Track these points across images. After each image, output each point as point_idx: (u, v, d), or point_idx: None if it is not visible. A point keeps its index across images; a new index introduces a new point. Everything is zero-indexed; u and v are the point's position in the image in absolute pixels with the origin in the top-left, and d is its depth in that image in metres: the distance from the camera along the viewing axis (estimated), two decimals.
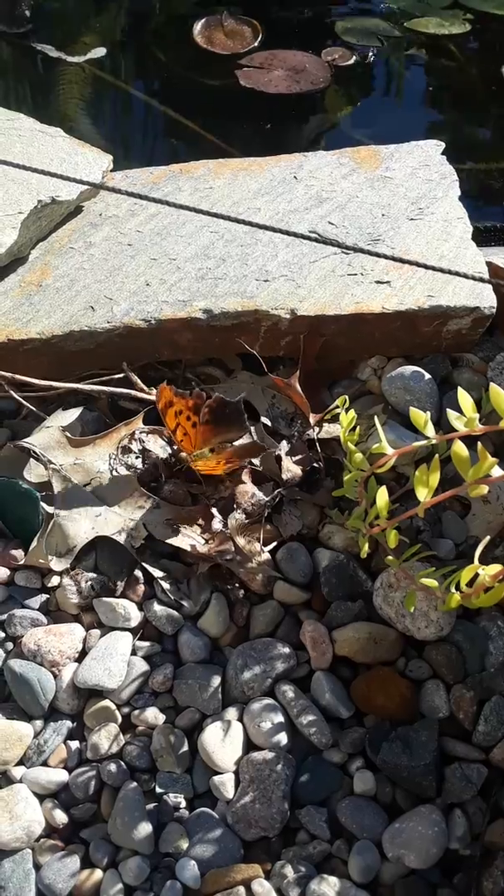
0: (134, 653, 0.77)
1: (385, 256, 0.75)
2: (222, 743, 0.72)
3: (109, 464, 0.83)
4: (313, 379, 0.89)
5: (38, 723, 0.75)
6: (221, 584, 0.80)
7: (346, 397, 0.78)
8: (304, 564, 0.81)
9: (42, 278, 0.93)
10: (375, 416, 0.76)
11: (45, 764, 0.73)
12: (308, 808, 0.71)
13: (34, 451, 0.83)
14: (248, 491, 0.82)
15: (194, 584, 0.80)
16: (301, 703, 0.74)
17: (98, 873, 0.69)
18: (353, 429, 0.74)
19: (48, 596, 0.80)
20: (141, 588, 0.80)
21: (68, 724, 0.75)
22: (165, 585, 0.79)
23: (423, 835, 0.68)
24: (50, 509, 0.81)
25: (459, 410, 0.64)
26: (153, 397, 0.85)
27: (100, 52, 1.58)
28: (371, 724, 0.75)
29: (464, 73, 1.61)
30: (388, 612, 0.76)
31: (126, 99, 1.54)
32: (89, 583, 0.79)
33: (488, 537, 0.69)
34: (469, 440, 0.64)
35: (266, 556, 0.80)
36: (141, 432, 0.84)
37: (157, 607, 0.78)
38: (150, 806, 0.71)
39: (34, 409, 0.89)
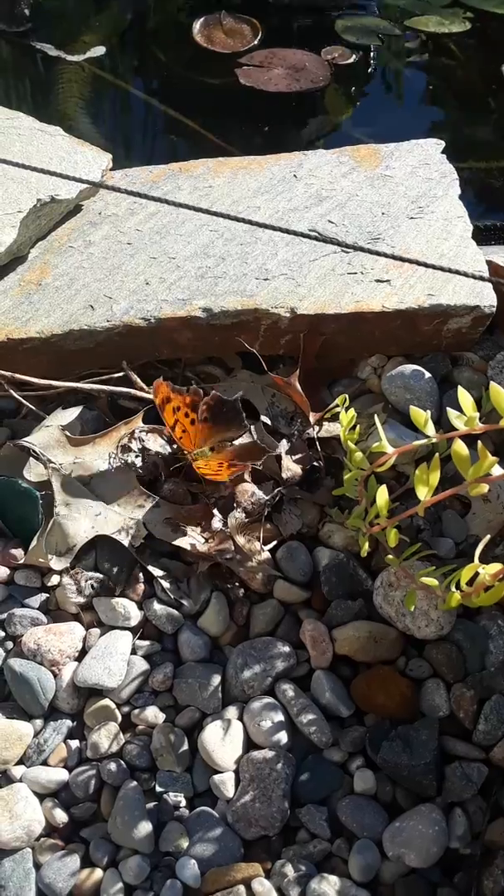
0: (134, 652, 0.77)
1: (385, 255, 0.75)
2: (222, 742, 0.72)
3: (109, 463, 0.83)
4: (313, 378, 0.89)
5: (38, 722, 0.75)
6: (221, 583, 0.80)
7: (346, 396, 0.78)
8: (304, 563, 0.80)
9: (41, 277, 0.93)
10: (375, 415, 0.76)
11: (45, 763, 0.73)
12: (308, 806, 0.71)
13: (34, 451, 0.83)
14: (248, 490, 0.82)
15: (194, 583, 0.80)
16: (301, 701, 0.74)
17: (98, 872, 0.69)
18: (353, 427, 0.74)
19: (48, 595, 0.80)
20: (141, 587, 0.80)
21: (68, 723, 0.75)
22: (165, 584, 0.79)
23: (423, 834, 0.68)
24: (50, 508, 0.81)
25: (459, 409, 0.64)
26: (153, 396, 0.85)
27: (99, 50, 1.58)
28: (371, 722, 0.75)
29: (464, 71, 1.61)
30: (388, 610, 0.76)
31: (125, 98, 1.54)
32: (89, 582, 0.79)
33: (488, 536, 0.69)
34: (469, 439, 0.64)
35: (266, 554, 0.80)
36: (141, 431, 0.84)
37: (156, 606, 0.78)
38: (150, 805, 0.71)
39: (34, 408, 0.89)
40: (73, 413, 0.87)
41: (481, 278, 0.82)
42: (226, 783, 0.71)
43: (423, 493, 0.65)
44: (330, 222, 0.96)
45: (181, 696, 0.75)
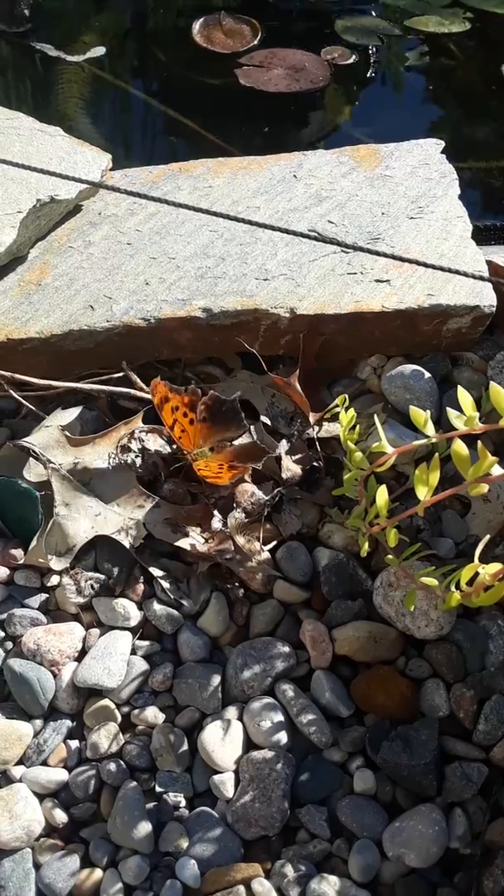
0: (133, 652, 0.77)
1: (385, 255, 0.75)
2: (222, 742, 0.72)
3: (109, 463, 0.83)
4: (313, 378, 0.89)
5: (38, 722, 0.75)
6: (221, 584, 0.80)
7: (346, 396, 0.78)
8: (304, 563, 0.80)
9: (41, 277, 0.93)
10: (375, 415, 0.76)
11: (44, 763, 0.73)
12: (308, 807, 0.71)
13: (34, 451, 0.83)
14: (248, 490, 0.82)
15: (194, 583, 0.80)
16: (301, 702, 0.74)
17: (98, 872, 0.69)
18: (353, 428, 0.74)
19: (48, 595, 0.80)
20: (140, 587, 0.80)
21: (68, 723, 0.75)
22: (165, 584, 0.79)
23: (423, 834, 0.68)
24: (49, 508, 0.81)
25: (459, 409, 0.64)
26: (151, 396, 0.85)
27: (99, 51, 1.58)
28: (371, 722, 0.74)
29: (464, 71, 1.61)
30: (388, 610, 0.76)
31: (125, 98, 1.54)
32: (89, 582, 0.79)
33: (488, 536, 0.69)
34: (469, 439, 0.64)
35: (266, 555, 0.80)
36: (140, 431, 0.84)
37: (156, 606, 0.78)
38: (150, 805, 0.71)
39: (33, 408, 0.89)
40: (72, 413, 0.87)
41: (481, 278, 0.82)
42: (225, 783, 0.71)
43: (423, 493, 0.65)
44: (330, 222, 0.96)
45: (181, 697, 0.75)
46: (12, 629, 0.78)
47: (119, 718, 0.75)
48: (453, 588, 0.66)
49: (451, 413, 0.65)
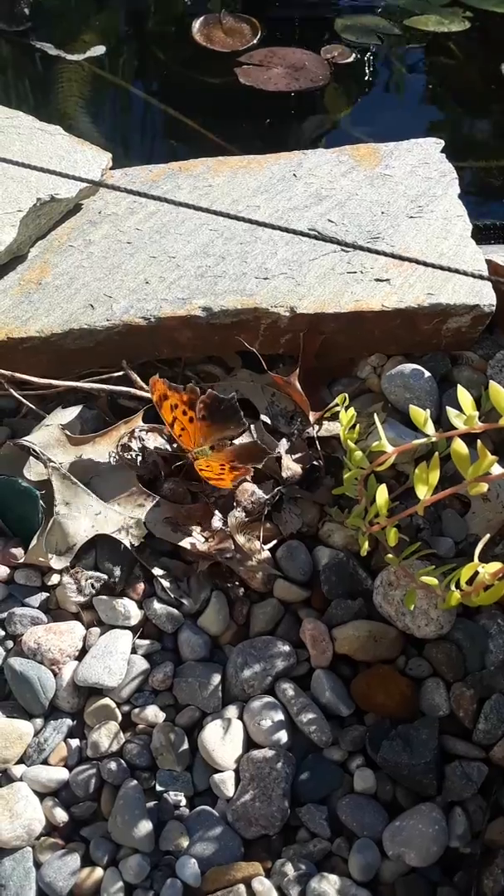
0: (134, 651, 0.77)
1: (385, 254, 0.75)
2: (222, 741, 0.72)
3: (109, 462, 0.83)
4: (313, 377, 0.89)
5: (39, 721, 0.75)
6: (221, 583, 0.80)
7: (346, 395, 0.78)
8: (304, 562, 0.81)
9: (41, 276, 0.93)
10: (375, 414, 0.76)
11: (45, 762, 0.73)
12: (308, 806, 0.71)
13: (34, 450, 0.83)
14: (248, 489, 0.82)
15: (194, 582, 0.80)
16: (301, 701, 0.74)
17: (98, 871, 0.69)
18: (353, 427, 0.74)
19: (48, 594, 0.80)
20: (141, 586, 0.80)
21: (68, 722, 0.75)
22: (165, 584, 0.79)
23: (423, 833, 0.68)
24: (50, 507, 0.81)
25: (459, 408, 0.64)
26: (150, 393, 0.85)
27: (99, 50, 1.58)
28: (371, 722, 0.75)
29: (463, 70, 1.61)
30: (388, 610, 0.76)
31: (125, 97, 1.54)
32: (89, 581, 0.79)
33: (488, 535, 0.69)
34: (469, 438, 0.64)
35: (266, 554, 0.80)
36: (140, 430, 0.84)
37: (157, 605, 0.78)
38: (151, 804, 0.71)
39: (34, 407, 0.89)
40: (72, 412, 0.87)
41: (481, 277, 0.82)
42: (226, 782, 0.71)
43: (423, 492, 0.65)
44: (329, 221, 0.96)
45: (181, 696, 0.76)
46: (13, 628, 0.78)
47: (119, 717, 0.75)
48: (453, 587, 0.66)
49: (451, 412, 0.65)
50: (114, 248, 0.95)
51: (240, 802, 0.70)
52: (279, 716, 0.73)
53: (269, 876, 0.68)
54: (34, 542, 0.80)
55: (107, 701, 0.75)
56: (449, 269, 0.75)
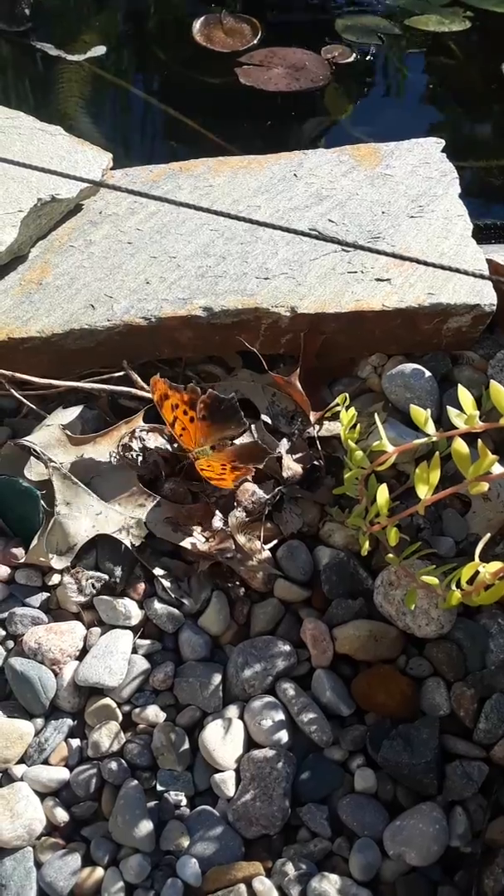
0: (135, 651, 0.77)
1: (385, 254, 0.75)
2: (223, 741, 0.73)
3: (110, 462, 0.83)
4: (313, 377, 0.89)
5: (39, 721, 0.75)
6: (222, 582, 0.80)
7: (347, 395, 0.78)
8: (305, 562, 0.81)
9: (42, 276, 0.93)
10: (376, 414, 0.76)
11: (45, 762, 0.73)
12: (309, 805, 0.71)
13: (35, 450, 0.83)
14: (249, 489, 0.82)
15: (195, 582, 0.80)
16: (302, 700, 0.74)
17: (99, 871, 0.69)
18: (354, 426, 0.74)
19: (49, 594, 0.80)
20: (141, 586, 0.80)
21: (69, 722, 0.75)
22: (166, 583, 0.79)
23: (423, 832, 0.68)
24: (51, 507, 0.81)
25: (460, 408, 0.64)
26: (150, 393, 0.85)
27: (99, 50, 1.58)
28: (372, 721, 0.75)
29: (464, 70, 1.61)
30: (388, 609, 0.76)
31: (126, 97, 1.54)
32: (90, 581, 0.79)
33: (489, 535, 0.69)
34: (469, 437, 0.64)
35: (266, 554, 0.80)
36: (141, 430, 0.84)
37: (157, 605, 0.78)
38: (151, 804, 0.71)
39: (34, 407, 0.89)
40: (73, 412, 0.87)
41: (481, 277, 0.82)
42: (226, 782, 0.71)
43: (424, 491, 0.65)
44: (330, 221, 0.96)
45: (182, 695, 0.76)
46: (13, 628, 0.78)
47: (120, 717, 0.75)
48: (454, 587, 0.66)
49: (452, 411, 0.65)
50: (114, 248, 0.95)
51: (240, 802, 0.70)
52: (280, 715, 0.73)
53: (270, 875, 0.68)
54: (35, 541, 0.80)
55: (107, 701, 0.75)
56: (450, 269, 0.75)
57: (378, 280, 0.89)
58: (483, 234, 1.15)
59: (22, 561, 0.80)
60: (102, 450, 0.85)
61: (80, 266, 0.94)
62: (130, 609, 0.78)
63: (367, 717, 0.75)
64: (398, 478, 0.84)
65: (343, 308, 0.87)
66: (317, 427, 0.86)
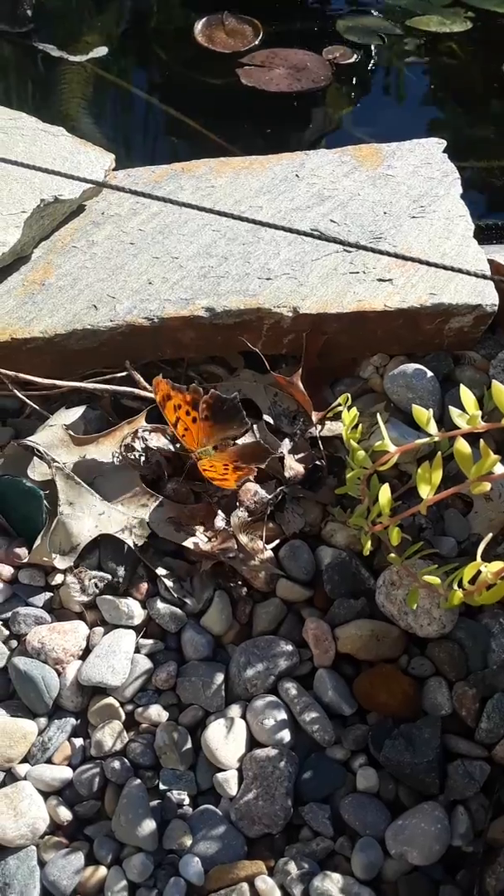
0: (137, 650, 0.77)
1: (387, 254, 0.75)
2: (225, 740, 0.73)
3: (112, 462, 0.84)
4: (315, 377, 0.89)
5: (43, 720, 0.75)
6: (224, 582, 0.80)
7: (349, 395, 0.78)
8: (307, 562, 0.81)
9: (45, 277, 0.93)
10: (378, 414, 0.76)
11: (49, 761, 0.74)
12: (311, 805, 0.71)
13: (38, 450, 0.83)
14: (251, 489, 0.82)
15: (197, 581, 0.80)
16: (304, 700, 0.74)
17: (102, 870, 0.70)
18: (356, 426, 0.74)
19: (52, 594, 0.81)
20: (144, 586, 0.80)
21: (72, 721, 0.75)
22: (169, 583, 0.79)
23: (425, 832, 0.68)
24: (54, 507, 0.81)
25: (462, 408, 0.64)
26: (153, 394, 0.85)
27: (101, 51, 1.58)
28: (374, 721, 0.75)
29: (465, 71, 1.61)
30: (390, 609, 0.77)
31: (127, 98, 1.54)
32: (93, 581, 0.79)
33: (490, 535, 0.69)
34: (471, 437, 0.64)
35: (269, 553, 0.80)
36: (144, 430, 0.84)
37: (160, 605, 0.78)
38: (154, 803, 0.72)
39: (37, 407, 0.90)
40: (76, 412, 0.88)
41: (483, 277, 0.83)
42: (229, 781, 0.72)
43: (426, 491, 0.65)
44: (332, 222, 0.96)
45: (184, 695, 0.76)
46: (17, 628, 0.78)
47: (123, 716, 0.75)
48: (455, 586, 0.66)
49: (454, 411, 0.65)
50: (117, 248, 0.95)
51: (243, 801, 0.71)
52: (282, 715, 0.74)
53: (273, 874, 0.69)
54: (38, 541, 0.80)
55: (110, 700, 0.75)
56: (451, 269, 0.75)
57: (380, 280, 0.89)
58: (484, 235, 1.15)
59: (25, 561, 0.81)
60: (105, 450, 0.85)
61: (82, 266, 0.94)
62: (133, 609, 0.78)
63: (369, 716, 0.75)
64: (400, 478, 0.84)
65: (345, 308, 0.87)
66: (319, 427, 0.86)
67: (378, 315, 0.87)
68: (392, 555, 0.73)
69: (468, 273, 0.74)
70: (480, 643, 0.76)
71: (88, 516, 0.81)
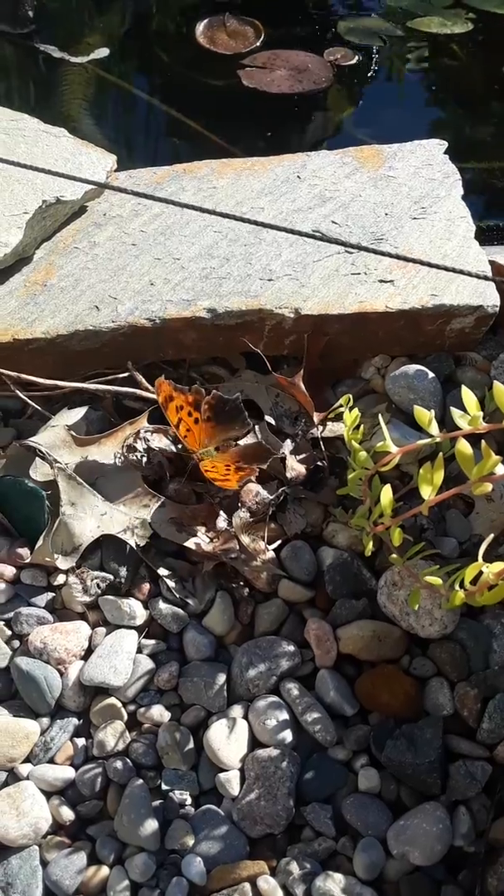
0: (139, 651, 0.77)
1: (389, 255, 0.76)
2: (227, 740, 0.73)
3: (114, 463, 0.84)
4: (317, 378, 0.89)
5: (45, 720, 0.75)
6: (226, 583, 0.80)
7: (350, 396, 0.78)
8: (309, 563, 0.81)
9: (47, 278, 0.93)
10: (379, 415, 0.76)
11: (51, 761, 0.74)
12: (313, 805, 0.71)
13: (40, 450, 0.84)
14: (253, 489, 0.82)
15: (199, 582, 0.80)
16: (306, 700, 0.74)
17: (105, 870, 0.70)
18: (357, 427, 0.74)
19: (54, 594, 0.81)
20: (146, 586, 0.80)
21: (74, 721, 0.75)
22: (170, 584, 0.79)
23: (427, 832, 0.68)
24: (56, 508, 0.82)
25: (463, 409, 0.65)
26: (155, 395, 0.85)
27: (103, 52, 1.58)
28: (375, 721, 0.75)
29: (466, 72, 1.61)
30: (392, 609, 0.77)
31: (129, 99, 1.55)
32: (95, 581, 0.79)
33: (492, 535, 0.69)
34: (473, 438, 0.64)
35: (270, 554, 0.80)
36: (146, 431, 0.84)
37: (162, 605, 0.79)
38: (156, 803, 0.72)
39: (39, 408, 0.90)
40: (78, 413, 0.88)
41: (485, 278, 0.83)
42: (231, 781, 0.72)
43: (427, 492, 0.65)
44: (333, 223, 0.96)
45: (186, 695, 0.76)
46: (19, 628, 0.78)
47: (125, 716, 0.75)
48: (457, 587, 0.66)
49: (455, 412, 0.65)
50: (119, 249, 0.96)
51: (245, 801, 0.71)
52: (284, 715, 0.74)
53: (275, 874, 0.69)
54: (40, 542, 0.81)
55: (112, 700, 0.75)
56: (453, 270, 0.75)
57: (381, 281, 0.90)
58: (485, 236, 1.15)
59: (27, 561, 0.81)
60: (107, 450, 0.85)
61: (84, 267, 0.94)
62: (135, 609, 0.78)
63: (371, 716, 0.75)
64: (402, 478, 0.85)
65: (346, 309, 0.87)
66: (320, 428, 0.87)
67: (379, 316, 0.87)
68: (394, 555, 0.73)
69: (469, 274, 0.75)
70: (482, 644, 0.76)
71: (90, 517, 0.81)
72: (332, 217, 0.97)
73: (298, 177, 1.03)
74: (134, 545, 0.80)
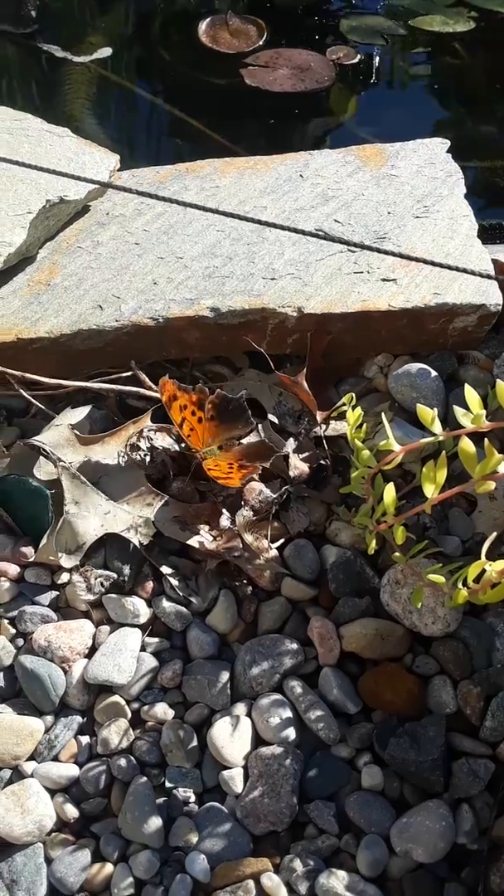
0: (143, 649, 0.78)
1: (391, 254, 0.76)
2: (231, 738, 0.73)
3: (118, 461, 0.84)
4: (320, 376, 0.90)
5: (49, 718, 0.75)
6: (229, 581, 0.80)
7: (353, 395, 0.79)
8: (312, 561, 0.81)
9: (50, 277, 0.94)
10: (382, 414, 0.76)
11: (55, 759, 0.74)
12: (316, 802, 0.71)
13: (44, 449, 0.84)
14: (256, 488, 0.82)
15: (203, 580, 0.81)
16: (309, 698, 0.75)
17: (109, 867, 0.70)
18: (360, 426, 0.75)
19: (58, 592, 0.81)
20: (150, 585, 0.80)
21: (78, 719, 0.75)
22: (174, 582, 0.80)
23: (430, 829, 0.68)
24: (60, 507, 0.82)
25: (466, 407, 0.65)
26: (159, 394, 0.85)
27: (105, 52, 1.59)
28: (379, 719, 0.75)
29: (468, 70, 1.61)
30: (395, 608, 0.77)
31: (132, 98, 1.55)
32: (99, 579, 0.80)
33: (495, 534, 0.69)
34: (476, 437, 0.64)
35: (274, 552, 0.80)
36: (149, 430, 0.85)
37: (165, 604, 0.79)
38: (160, 800, 0.72)
39: (43, 407, 0.90)
40: (82, 412, 0.88)
41: (487, 277, 0.83)
42: (235, 779, 0.72)
43: (430, 490, 0.65)
44: (336, 222, 0.96)
45: (190, 693, 0.76)
46: (23, 626, 0.79)
47: (129, 714, 0.75)
48: (460, 585, 0.66)
49: (458, 411, 0.65)
50: (122, 249, 0.96)
51: (248, 799, 0.71)
52: (287, 713, 0.74)
53: (278, 872, 0.69)
54: (44, 540, 0.81)
55: (116, 698, 0.76)
56: (455, 269, 0.75)
57: (384, 280, 0.90)
58: (488, 235, 1.15)
59: (31, 560, 0.81)
60: (111, 449, 0.85)
61: (87, 267, 0.94)
62: (139, 607, 0.79)
63: (374, 714, 0.76)
64: (404, 477, 0.85)
65: (349, 308, 0.87)
66: (323, 426, 0.87)
67: (382, 315, 0.87)
68: (397, 553, 0.73)
69: (472, 273, 0.75)
70: (485, 642, 0.76)
71: (94, 515, 0.82)
72: (335, 216, 0.97)
73: (301, 176, 1.03)
74: (137, 544, 0.80)
